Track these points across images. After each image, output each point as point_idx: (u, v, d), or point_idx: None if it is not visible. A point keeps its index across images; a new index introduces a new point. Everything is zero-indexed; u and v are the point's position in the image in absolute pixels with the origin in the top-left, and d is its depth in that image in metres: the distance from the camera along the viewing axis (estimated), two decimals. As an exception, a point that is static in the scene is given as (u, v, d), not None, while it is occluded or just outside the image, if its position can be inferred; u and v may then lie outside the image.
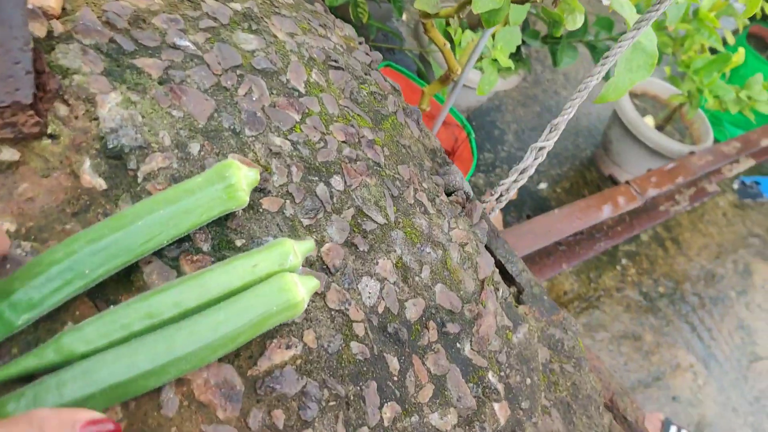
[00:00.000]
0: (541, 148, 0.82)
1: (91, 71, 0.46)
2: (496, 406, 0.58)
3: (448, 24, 1.56)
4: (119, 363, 0.35)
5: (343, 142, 0.60)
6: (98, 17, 0.50)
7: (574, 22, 0.82)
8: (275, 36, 0.64)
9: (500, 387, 0.60)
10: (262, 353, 0.43)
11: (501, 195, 0.87)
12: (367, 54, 0.78)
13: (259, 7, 0.66)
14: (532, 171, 0.84)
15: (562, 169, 2.63)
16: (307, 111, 0.59)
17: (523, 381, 0.64)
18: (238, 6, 0.63)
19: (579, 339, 0.76)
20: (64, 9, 0.50)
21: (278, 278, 0.41)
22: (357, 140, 0.62)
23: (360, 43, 0.80)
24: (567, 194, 2.54)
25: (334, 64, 0.68)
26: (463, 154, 1.70)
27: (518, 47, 1.26)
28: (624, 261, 2.30)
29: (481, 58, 1.36)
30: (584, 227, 1.60)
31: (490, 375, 0.59)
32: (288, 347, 0.44)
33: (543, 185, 2.50)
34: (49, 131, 0.43)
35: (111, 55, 0.48)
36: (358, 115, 0.66)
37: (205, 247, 0.44)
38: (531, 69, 2.13)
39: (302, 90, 0.60)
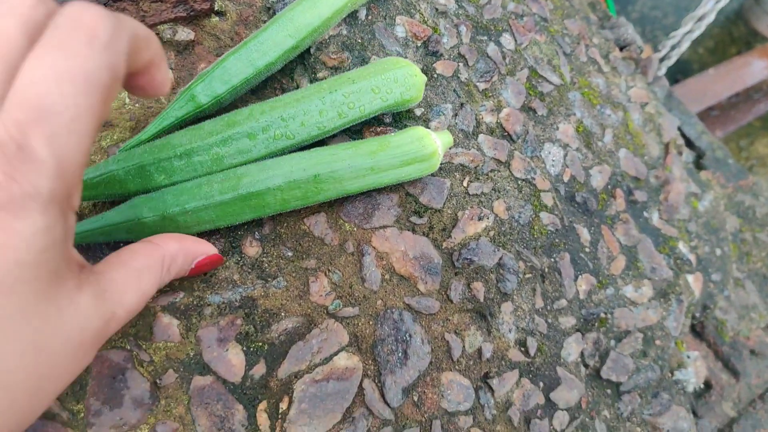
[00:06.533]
0: (725, -14, 0.69)
1: (245, -64, 0.42)
2: (689, 277, 0.53)
3: None
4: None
5: (506, -5, 0.53)
6: None
7: None
8: None
9: (692, 257, 0.54)
10: (455, 225, 0.41)
11: (671, 49, 0.75)
12: None
13: None
14: (711, 18, 0.72)
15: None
16: (464, -37, 0.52)
17: (713, 252, 0.58)
18: None
19: (773, 205, 0.67)
20: None
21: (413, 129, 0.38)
22: (520, -7, 0.54)
23: None
24: (711, 55, 2.23)
25: None
26: (597, 17, 1.52)
27: None
28: (781, 126, 2.02)
29: None
30: (742, 88, 1.41)
31: (680, 245, 0.54)
32: (480, 218, 0.41)
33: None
34: (216, 8, 0.41)
35: None
36: (515, -36, 0.58)
37: (387, 118, 0.41)
38: None
39: (456, -61, 0.53)
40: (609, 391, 0.45)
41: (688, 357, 0.52)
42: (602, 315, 0.45)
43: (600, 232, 0.48)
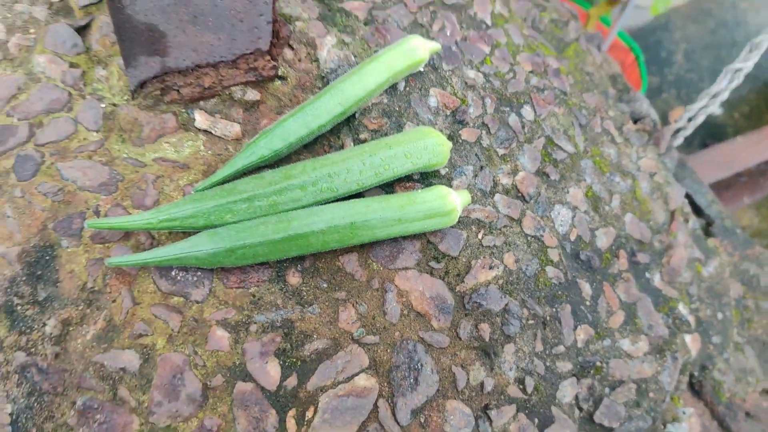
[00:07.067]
0: (737, 70, 0.74)
1: (309, 17, 0.51)
2: (687, 337, 0.57)
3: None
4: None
5: (531, 72, 0.60)
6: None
7: None
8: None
9: (691, 319, 0.59)
10: (468, 272, 0.47)
11: (688, 121, 0.81)
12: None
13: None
14: (725, 96, 0.77)
15: (740, 91, 2.32)
16: (495, 43, 0.59)
17: (714, 315, 0.63)
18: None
19: (777, 276, 0.71)
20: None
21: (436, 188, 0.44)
22: (543, 69, 0.61)
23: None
24: (746, 120, 2.25)
25: (516, -9, 0.67)
26: (630, 79, 1.58)
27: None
28: (816, 195, 2.02)
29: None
30: (772, 157, 1.44)
31: (680, 306, 0.59)
32: (491, 267, 0.47)
33: (718, 110, 2.24)
34: (279, 73, 0.49)
35: (323, 0, 0.53)
36: (542, 44, 0.65)
37: (415, 176, 0.48)
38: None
39: (489, 22, 0.61)
40: (600, 434, 0.49)
41: (684, 413, 0.56)
42: (598, 363, 0.50)
43: (601, 288, 0.53)
